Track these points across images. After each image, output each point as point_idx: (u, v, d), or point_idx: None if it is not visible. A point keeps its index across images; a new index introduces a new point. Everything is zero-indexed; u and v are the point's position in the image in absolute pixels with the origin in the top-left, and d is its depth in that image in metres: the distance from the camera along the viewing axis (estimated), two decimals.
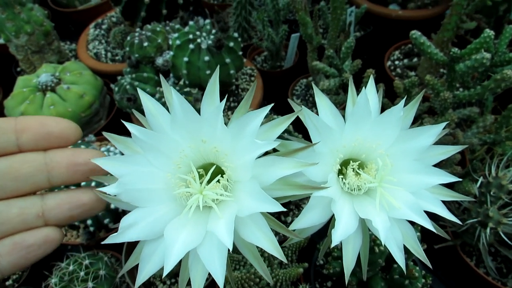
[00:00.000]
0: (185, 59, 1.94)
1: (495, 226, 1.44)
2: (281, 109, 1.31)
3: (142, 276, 0.71)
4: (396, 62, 2.55)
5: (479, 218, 1.50)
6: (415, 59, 2.54)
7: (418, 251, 0.87)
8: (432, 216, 0.87)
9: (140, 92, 0.77)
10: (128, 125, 0.71)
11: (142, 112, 0.80)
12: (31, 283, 1.95)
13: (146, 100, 0.76)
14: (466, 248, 1.74)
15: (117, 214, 1.81)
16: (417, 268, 1.28)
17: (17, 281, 1.95)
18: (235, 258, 1.66)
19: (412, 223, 0.89)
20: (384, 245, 0.87)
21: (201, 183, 0.72)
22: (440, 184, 0.93)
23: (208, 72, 1.96)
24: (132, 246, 1.82)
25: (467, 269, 1.66)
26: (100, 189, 0.70)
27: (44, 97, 2.15)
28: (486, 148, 2.01)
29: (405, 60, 2.55)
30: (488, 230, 1.45)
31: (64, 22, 3.17)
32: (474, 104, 1.95)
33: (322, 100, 0.93)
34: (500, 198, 1.48)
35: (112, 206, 1.75)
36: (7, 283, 1.94)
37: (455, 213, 1.70)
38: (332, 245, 0.77)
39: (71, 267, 1.66)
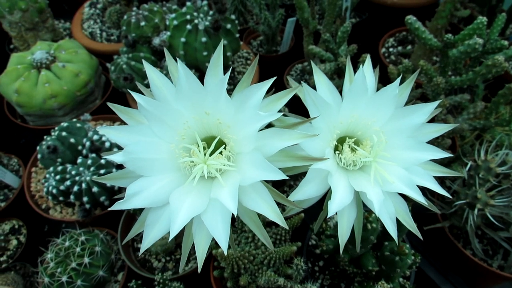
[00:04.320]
0: (182, 39, 1.95)
1: (483, 207, 1.49)
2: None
3: (147, 242, 0.73)
4: (391, 49, 2.58)
5: (467, 200, 1.54)
6: (409, 47, 2.57)
7: (410, 224, 0.91)
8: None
9: (145, 64, 0.79)
10: (134, 94, 0.73)
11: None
12: (27, 259, 1.97)
13: (151, 71, 0.78)
14: (454, 230, 1.80)
15: (113, 192, 1.83)
16: (407, 245, 1.32)
17: (12, 257, 1.96)
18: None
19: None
20: (377, 219, 0.91)
21: (204, 154, 0.75)
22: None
23: (205, 53, 1.96)
24: (127, 224, 1.85)
25: (455, 250, 1.71)
26: (107, 157, 0.72)
27: (39, 74, 2.14)
28: (475, 134, 2.06)
29: (399, 48, 2.58)
30: (476, 211, 1.50)
31: (58, 0, 3.13)
32: (465, 92, 1.99)
33: (320, 77, 0.95)
34: (488, 181, 1.53)
35: (109, 184, 1.77)
36: (1, 258, 1.95)
37: (445, 196, 1.74)
38: (329, 215, 0.80)
39: (67, 243, 1.68)
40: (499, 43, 1.67)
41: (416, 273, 1.61)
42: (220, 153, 0.76)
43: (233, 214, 0.68)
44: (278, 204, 0.76)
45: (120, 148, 0.75)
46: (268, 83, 0.72)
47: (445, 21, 2.10)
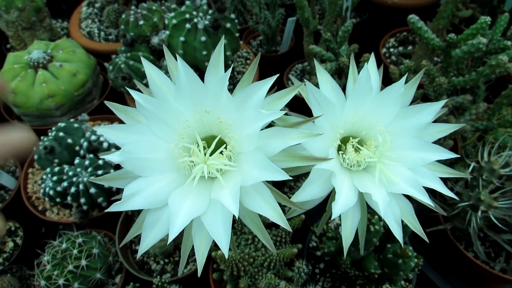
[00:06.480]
0: (182, 38, 1.92)
1: (486, 209, 1.47)
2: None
3: (145, 244, 0.71)
4: (391, 50, 2.56)
5: (470, 202, 1.52)
6: (409, 47, 2.55)
7: (416, 226, 0.89)
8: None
9: (144, 61, 0.76)
10: (132, 92, 0.71)
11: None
12: (23, 261, 1.94)
13: (150, 69, 0.75)
14: (456, 232, 1.78)
15: (111, 194, 1.80)
16: (410, 248, 1.30)
17: (8, 259, 1.93)
18: None
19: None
20: (380, 221, 0.88)
21: (204, 154, 0.72)
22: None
23: (204, 52, 1.94)
24: (126, 225, 1.82)
25: (457, 253, 1.69)
26: (104, 156, 0.70)
27: (36, 74, 2.11)
28: (477, 135, 2.04)
29: (400, 48, 2.56)
30: (479, 213, 1.48)
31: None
32: (466, 92, 1.98)
33: (323, 76, 0.93)
34: (491, 183, 1.50)
35: (106, 185, 1.74)
36: None
37: (447, 198, 1.73)
38: (333, 217, 0.78)
39: (64, 245, 1.65)
40: (502, 43, 1.65)
41: (417, 276, 1.59)
42: (221, 152, 0.74)
43: (233, 216, 0.66)
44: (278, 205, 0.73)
45: (118, 149, 0.73)
46: (271, 80, 0.70)
47: (446, 22, 2.08)
